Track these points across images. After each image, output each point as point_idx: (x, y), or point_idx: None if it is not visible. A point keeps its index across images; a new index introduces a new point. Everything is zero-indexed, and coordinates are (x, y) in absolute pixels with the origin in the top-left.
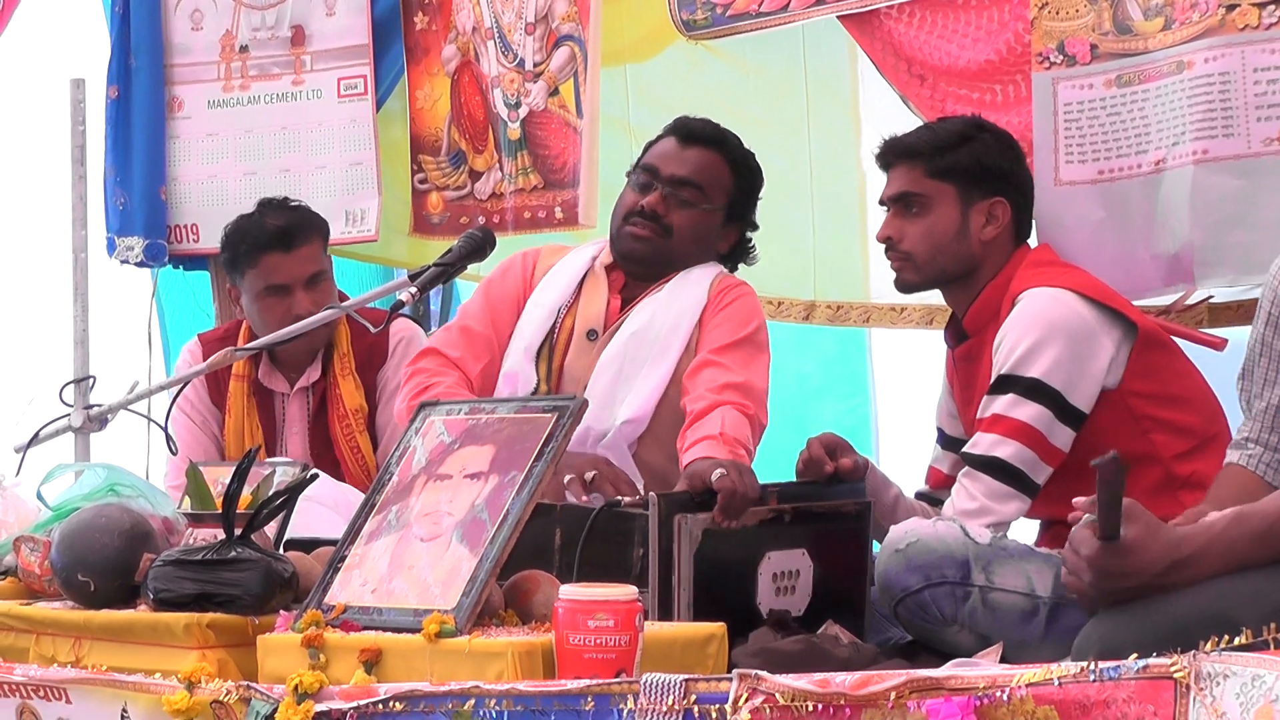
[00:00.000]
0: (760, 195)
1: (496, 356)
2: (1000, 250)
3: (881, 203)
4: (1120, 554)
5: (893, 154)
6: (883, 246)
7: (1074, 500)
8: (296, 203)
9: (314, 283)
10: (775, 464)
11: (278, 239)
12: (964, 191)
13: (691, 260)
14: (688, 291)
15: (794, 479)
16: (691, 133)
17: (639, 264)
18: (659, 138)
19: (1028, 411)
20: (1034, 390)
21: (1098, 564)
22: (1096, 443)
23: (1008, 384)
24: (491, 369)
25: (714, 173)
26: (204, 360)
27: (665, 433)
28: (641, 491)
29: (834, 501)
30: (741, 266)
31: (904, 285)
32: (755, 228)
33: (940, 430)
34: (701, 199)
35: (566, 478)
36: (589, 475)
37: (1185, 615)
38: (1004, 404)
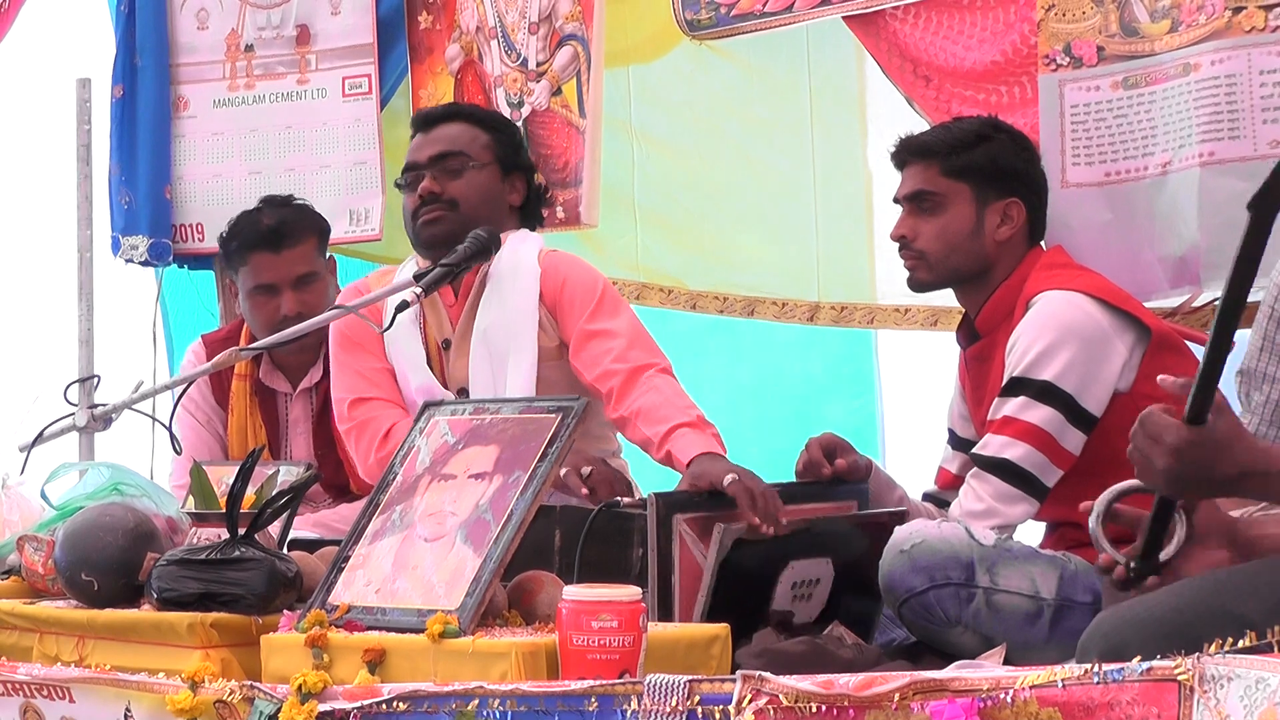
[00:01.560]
0: (522, 141)
1: (397, 384)
2: (1014, 251)
3: (896, 201)
4: (1204, 442)
5: (908, 152)
6: (894, 246)
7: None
8: (300, 201)
9: (303, 284)
10: (781, 464)
11: (266, 238)
12: (979, 191)
13: (489, 222)
14: (519, 273)
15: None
16: (427, 117)
17: (444, 246)
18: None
19: (1039, 414)
20: (1046, 393)
21: (1179, 446)
22: (1107, 446)
23: (1020, 386)
24: (403, 389)
25: (466, 136)
26: (208, 360)
27: None
28: (634, 493)
29: (868, 512)
30: (742, 268)
31: (917, 284)
32: (534, 170)
33: (951, 431)
34: (467, 161)
35: (563, 470)
36: (585, 470)
37: (1190, 611)
38: (1015, 406)
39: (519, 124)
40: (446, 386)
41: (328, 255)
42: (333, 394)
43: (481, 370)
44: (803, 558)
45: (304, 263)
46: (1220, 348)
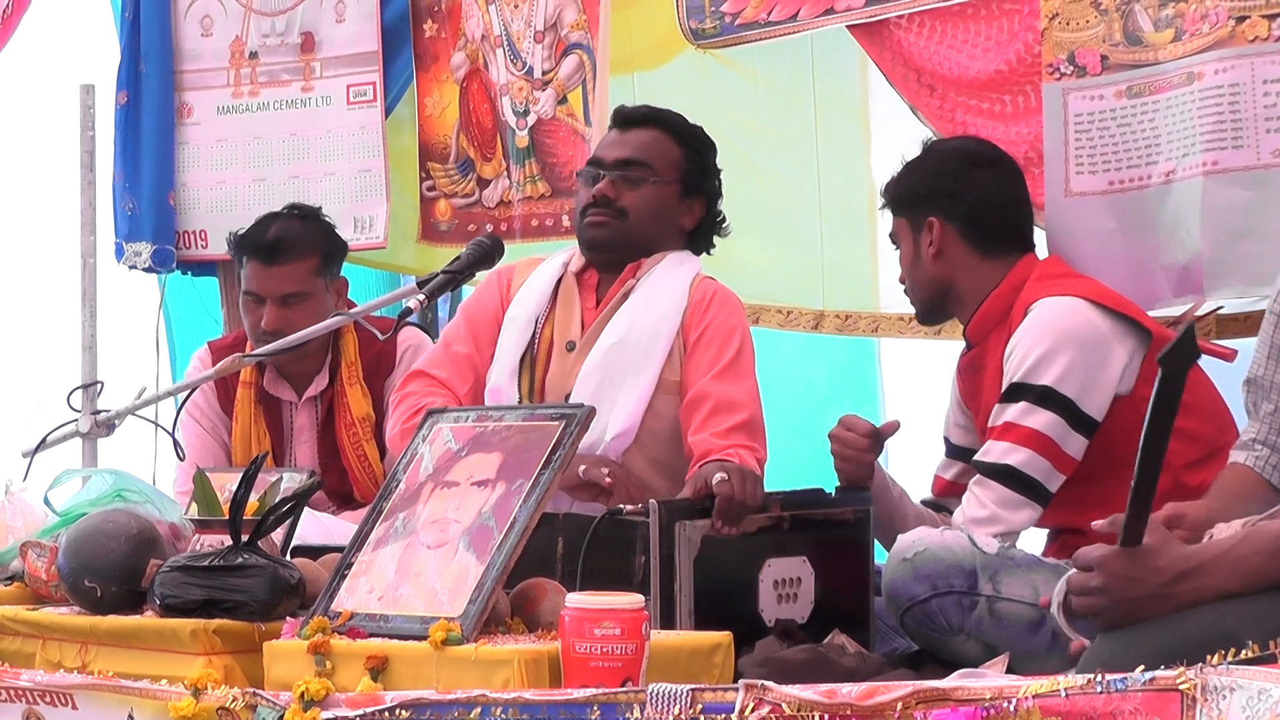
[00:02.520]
0: (717, 166)
1: (481, 375)
2: (958, 263)
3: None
4: (1135, 558)
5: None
6: (896, 254)
7: (1094, 524)
8: (324, 219)
9: (288, 302)
10: (784, 472)
11: (262, 249)
12: (910, 220)
13: (656, 240)
14: (665, 295)
15: (801, 486)
16: (628, 117)
17: (604, 252)
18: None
19: (1040, 419)
20: (1046, 398)
21: (1111, 568)
22: (1109, 451)
23: (1020, 392)
24: (478, 387)
25: (657, 148)
26: (213, 367)
27: (650, 442)
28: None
29: (832, 509)
30: (747, 275)
31: (925, 319)
32: (718, 197)
33: (946, 440)
34: (650, 174)
35: (581, 468)
36: (605, 470)
37: (1190, 634)
38: (1016, 412)
39: (525, 132)
40: (544, 393)
41: (335, 276)
42: (442, 330)
43: (591, 381)
44: (778, 556)
45: (292, 282)
46: (1147, 479)
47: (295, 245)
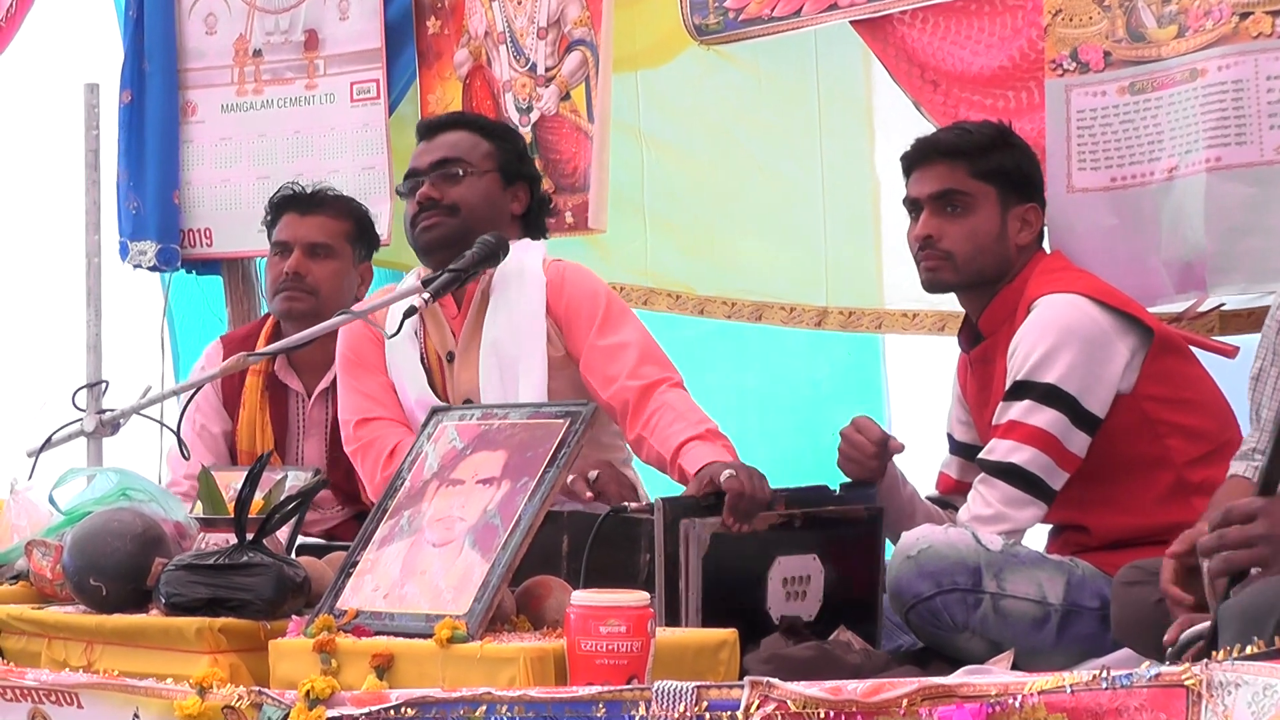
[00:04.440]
0: (526, 151)
1: (397, 397)
2: (1028, 256)
3: (912, 200)
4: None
5: (934, 152)
6: (901, 250)
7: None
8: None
9: (315, 253)
10: (787, 469)
11: (298, 199)
12: (1004, 195)
13: (492, 228)
14: (525, 283)
15: (806, 484)
16: (430, 125)
17: (444, 250)
18: None
19: (1044, 417)
20: (1050, 396)
21: (1274, 513)
22: (1112, 448)
23: (1023, 390)
24: (407, 407)
25: (467, 144)
26: (224, 360)
27: None
28: (641, 498)
29: (844, 506)
30: (751, 273)
31: (939, 284)
32: (539, 180)
33: (950, 436)
34: (466, 167)
35: (569, 477)
36: (592, 474)
37: None
38: (1020, 410)
39: (528, 128)
40: (449, 399)
41: (363, 257)
42: (340, 415)
43: (491, 381)
44: (787, 554)
45: (322, 232)
46: None
47: (333, 202)
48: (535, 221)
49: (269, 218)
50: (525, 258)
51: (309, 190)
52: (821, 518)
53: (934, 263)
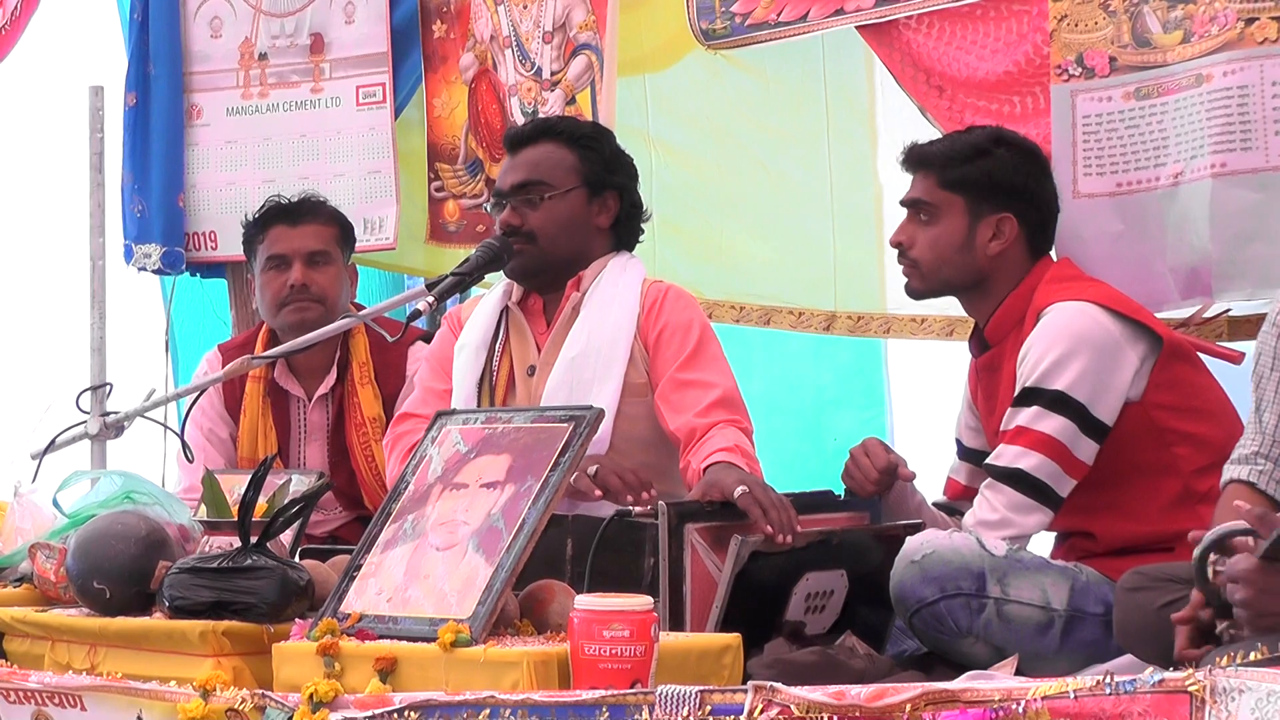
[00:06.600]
0: (621, 151)
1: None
2: (1011, 264)
3: (901, 204)
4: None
5: (911, 161)
6: (896, 252)
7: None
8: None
9: (314, 261)
10: (792, 474)
11: (286, 211)
12: (973, 204)
13: (576, 249)
14: (618, 302)
15: (808, 489)
16: (516, 138)
17: (528, 278)
18: None
19: (1052, 424)
20: (1058, 403)
21: (1257, 580)
22: (1119, 455)
23: (1032, 396)
24: None
25: (549, 161)
26: (223, 368)
27: (626, 448)
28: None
29: (882, 525)
30: (758, 277)
31: (911, 291)
32: (633, 182)
33: (959, 442)
34: (546, 189)
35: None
36: (591, 470)
37: None
38: (1028, 416)
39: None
40: None
41: (349, 259)
42: (416, 375)
43: (559, 396)
44: (819, 570)
45: (318, 240)
46: None
47: (317, 209)
48: (628, 228)
49: (252, 234)
50: (623, 278)
51: (294, 200)
52: (857, 535)
53: (905, 269)
